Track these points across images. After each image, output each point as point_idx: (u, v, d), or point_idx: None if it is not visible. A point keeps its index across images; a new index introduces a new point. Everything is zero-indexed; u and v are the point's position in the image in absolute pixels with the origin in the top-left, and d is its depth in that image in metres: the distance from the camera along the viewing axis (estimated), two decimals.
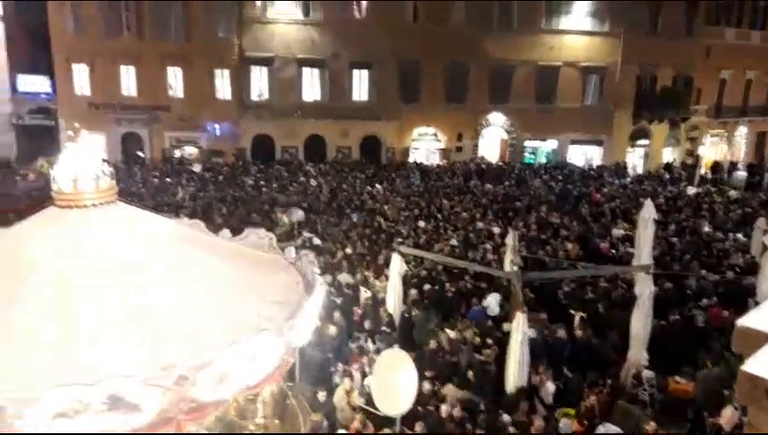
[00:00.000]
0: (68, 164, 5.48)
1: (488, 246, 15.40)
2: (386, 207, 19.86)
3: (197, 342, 4.53)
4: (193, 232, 6.90)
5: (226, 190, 22.61)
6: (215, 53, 29.43)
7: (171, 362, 4.20)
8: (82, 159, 5.52)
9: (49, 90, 30.54)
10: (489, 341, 10.01)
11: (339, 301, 11.57)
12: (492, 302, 11.74)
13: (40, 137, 30.04)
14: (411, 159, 31.25)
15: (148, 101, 29.79)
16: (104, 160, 5.84)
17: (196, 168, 26.66)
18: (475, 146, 32.37)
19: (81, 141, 5.66)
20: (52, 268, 4.85)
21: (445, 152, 32.06)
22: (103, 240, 5.27)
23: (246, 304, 5.23)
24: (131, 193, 19.17)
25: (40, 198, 18.04)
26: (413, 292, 12.00)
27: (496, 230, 17.00)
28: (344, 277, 12.96)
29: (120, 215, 5.74)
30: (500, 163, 31.37)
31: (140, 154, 30.29)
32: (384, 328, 10.66)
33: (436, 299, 12.02)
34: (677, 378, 9.29)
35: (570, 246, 15.67)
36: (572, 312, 10.98)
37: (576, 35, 31.39)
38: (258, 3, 29.56)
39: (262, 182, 24.52)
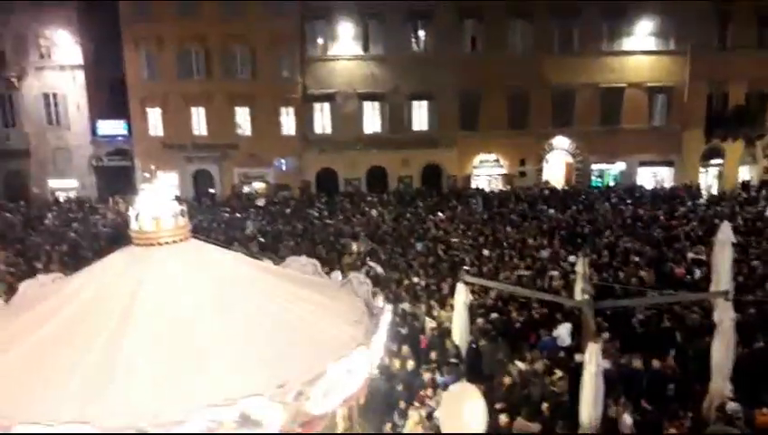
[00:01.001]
0: (145, 204, 5.78)
1: (556, 273, 15.02)
2: (453, 238, 19.63)
3: (302, 359, 4.83)
4: (264, 263, 7.24)
5: (293, 223, 23.10)
6: (279, 92, 30.48)
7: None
8: (158, 199, 5.81)
9: (125, 132, 32.28)
10: (561, 372, 9.69)
11: (403, 331, 11.53)
12: (563, 332, 11.39)
13: (117, 177, 31.75)
14: (473, 186, 31.07)
15: (217, 139, 31.07)
16: (177, 198, 6.13)
17: (260, 202, 27.40)
18: (539, 171, 31.88)
19: (156, 182, 5.97)
20: (152, 302, 5.12)
21: (508, 178, 31.72)
22: (186, 275, 5.55)
23: (333, 323, 5.60)
24: (204, 229, 19.89)
25: (115, 236, 19.01)
26: (480, 322, 11.80)
27: (564, 257, 16.57)
28: (408, 307, 12.92)
29: (197, 251, 6.01)
30: (566, 187, 30.72)
31: (211, 191, 31.47)
32: (451, 359, 10.50)
33: (504, 329, 11.77)
34: (765, 410, 8.69)
35: (643, 272, 15.07)
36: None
37: (640, 55, 30.66)
38: (320, 42, 30.52)
39: (326, 214, 24.94)
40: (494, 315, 12.29)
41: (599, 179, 32.27)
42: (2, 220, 25.52)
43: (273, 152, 31.18)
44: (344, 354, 4.85)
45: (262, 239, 20.23)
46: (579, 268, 12.17)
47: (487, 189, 30.46)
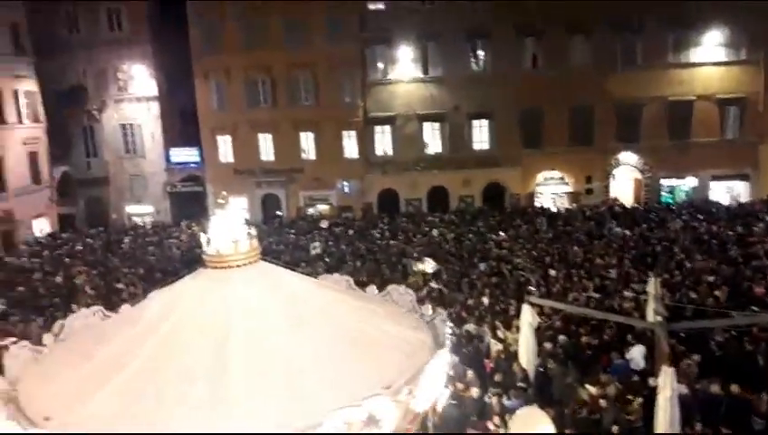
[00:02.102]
0: (217, 228, 6.07)
1: (627, 294, 14.55)
2: (517, 258, 19.35)
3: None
4: (330, 283, 7.50)
5: (357, 244, 23.39)
6: (342, 116, 31.18)
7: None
8: (230, 223, 6.10)
9: (197, 159, 33.73)
10: (634, 397, 9.36)
11: (468, 352, 11.44)
12: (636, 354, 11.01)
13: (190, 202, 33.15)
14: (537, 205, 30.60)
15: (284, 164, 32.02)
16: (247, 222, 6.40)
17: (324, 224, 27.89)
18: (606, 187, 31.05)
19: (229, 207, 6.26)
20: (232, 323, 5.43)
21: (573, 196, 31.06)
22: (260, 295, 5.82)
23: (401, 330, 6.01)
24: (272, 251, 20.45)
25: (188, 259, 19.83)
26: (547, 345, 11.57)
27: (635, 277, 16.03)
28: (472, 328, 12.82)
29: (267, 272, 6.27)
30: (635, 205, 29.74)
31: (279, 213, 32.34)
32: (518, 383, 10.33)
33: (573, 352, 11.49)
34: None
35: (718, 291, 14.38)
36: None
37: (709, 66, 29.52)
38: (380, 66, 31.07)
39: (388, 234, 25.13)
40: (562, 338, 12.02)
41: (669, 195, 31.10)
42: (83, 244, 27.05)
43: (337, 175, 31.82)
44: (431, 356, 5.23)
45: (327, 260, 20.57)
46: (650, 288, 11.75)
47: (552, 207, 29.89)
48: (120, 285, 18.45)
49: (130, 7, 32.83)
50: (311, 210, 32.40)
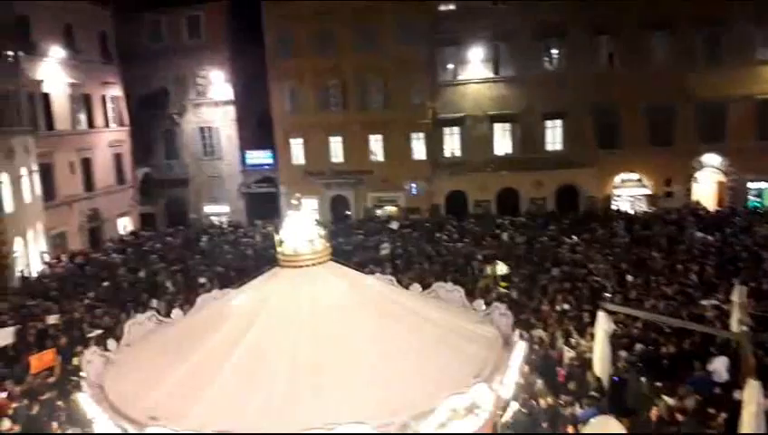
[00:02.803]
0: (290, 228, 6.22)
1: (709, 302, 13.82)
2: (593, 263, 18.75)
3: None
4: (395, 286, 7.53)
5: (424, 246, 23.34)
6: (411, 118, 31.22)
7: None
8: (302, 224, 6.24)
9: (271, 161, 34.69)
10: (717, 411, 8.87)
11: (538, 359, 11.19)
12: (719, 366, 10.43)
13: (264, 203, 34.12)
14: (614, 208, 29.55)
15: (353, 166, 32.45)
16: (318, 223, 6.53)
17: (394, 225, 28.01)
18: (688, 190, 29.59)
19: (302, 208, 6.41)
20: (306, 320, 5.64)
21: (652, 199, 29.80)
22: (331, 294, 5.97)
23: (483, 326, 6.27)
24: (341, 251, 20.71)
25: (262, 258, 20.38)
26: (623, 353, 11.14)
27: (718, 284, 15.20)
28: (543, 335, 12.53)
29: (336, 272, 6.39)
30: (719, 208, 28.21)
31: (348, 214, 32.77)
32: (592, 392, 10.00)
33: (651, 362, 11.01)
34: None
35: None
36: None
37: None
38: (450, 67, 30.93)
39: (456, 236, 24.93)
40: (639, 346, 11.55)
41: (756, 199, 29.27)
42: (163, 242, 28.34)
43: (405, 177, 31.89)
44: (504, 347, 5.54)
45: (397, 262, 20.64)
46: (735, 297, 11.14)
47: (629, 211, 28.78)
48: (203, 280, 19.16)
49: (209, 16, 34.18)
50: (378, 211, 32.64)
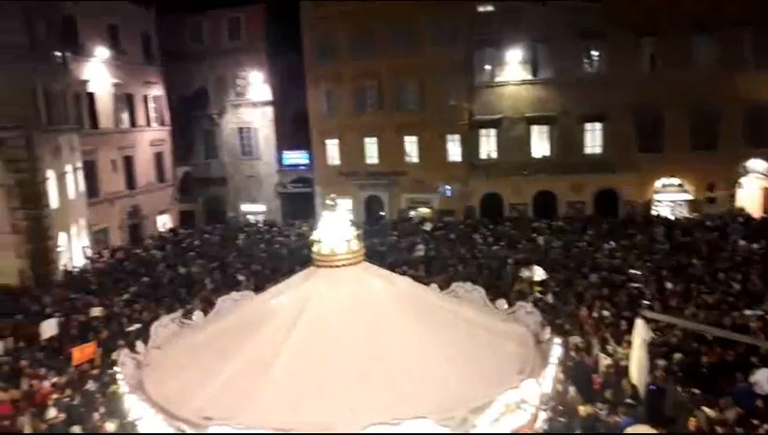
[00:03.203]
0: (325, 229, 6.27)
1: (754, 312, 13.38)
2: (631, 269, 18.35)
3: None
4: (425, 288, 7.52)
5: (458, 248, 23.22)
6: (446, 120, 31.09)
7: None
8: (337, 225, 6.28)
9: (307, 162, 35.02)
10: (760, 423, 8.60)
11: (573, 366, 11.02)
12: (761, 378, 10.11)
13: (299, 202, 34.49)
14: (654, 213, 28.89)
15: (387, 167, 32.49)
16: (352, 223, 6.55)
17: (427, 227, 27.94)
18: (732, 196, 28.71)
19: (338, 208, 6.44)
20: (338, 320, 5.69)
21: (694, 204, 29.02)
22: (365, 294, 6.02)
23: (514, 325, 6.35)
24: (374, 252, 20.78)
25: (297, 257, 20.56)
26: (661, 362, 10.88)
27: (762, 294, 14.72)
28: (579, 341, 12.32)
29: (370, 273, 6.41)
30: (764, 215, 27.30)
31: (382, 214, 32.82)
32: (628, 400, 9.80)
33: (690, 371, 10.73)
34: None
35: None
36: None
37: None
38: (487, 69, 30.72)
39: (491, 239, 24.73)
40: (678, 355, 11.26)
41: None
42: (201, 240, 28.87)
43: (439, 178, 31.78)
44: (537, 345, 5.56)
45: (431, 263, 20.60)
46: None
47: (670, 217, 28.09)
48: (241, 278, 19.44)
49: (249, 18, 34.68)
50: (412, 213, 32.60)
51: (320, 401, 4.92)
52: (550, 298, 15.61)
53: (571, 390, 10.01)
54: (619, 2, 28.20)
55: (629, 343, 10.97)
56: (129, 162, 31.68)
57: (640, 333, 10.27)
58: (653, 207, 29.45)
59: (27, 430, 9.43)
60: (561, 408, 9.23)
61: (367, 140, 32.89)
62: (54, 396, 10.71)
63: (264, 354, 5.41)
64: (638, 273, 17.64)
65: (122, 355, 6.08)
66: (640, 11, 27.93)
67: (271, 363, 5.27)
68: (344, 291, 5.96)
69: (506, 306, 7.23)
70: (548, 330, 6.30)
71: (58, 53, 25.48)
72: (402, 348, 5.44)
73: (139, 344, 6.55)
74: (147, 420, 5.05)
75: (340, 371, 5.16)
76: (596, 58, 29.80)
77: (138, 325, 14.37)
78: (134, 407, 5.26)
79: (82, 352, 12.35)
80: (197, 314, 7.48)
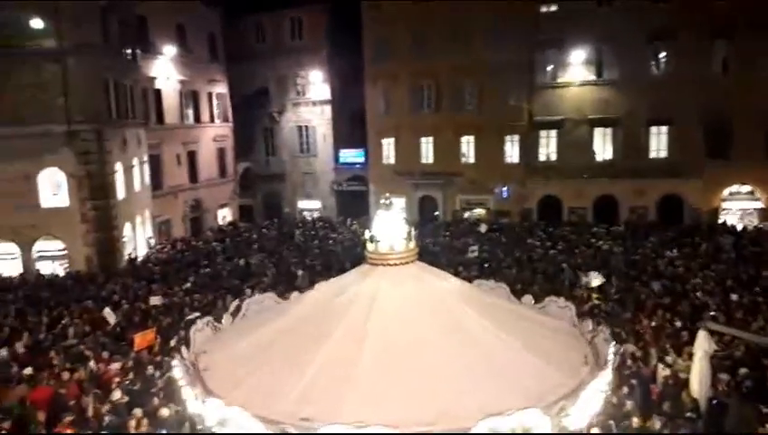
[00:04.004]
0: (379, 227, 6.29)
1: None
2: (695, 279, 17.61)
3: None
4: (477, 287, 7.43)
5: (513, 251, 22.88)
6: (505, 121, 30.69)
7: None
8: (392, 224, 6.29)
9: (362, 160, 35.28)
10: None
11: (628, 373, 10.70)
12: None
13: (354, 200, 34.81)
14: (721, 221, 27.65)
15: (443, 167, 32.33)
16: (407, 223, 6.55)
17: (482, 228, 27.63)
18: None
19: (392, 207, 6.45)
20: (386, 319, 5.69)
21: (765, 213, 27.62)
22: (416, 294, 6.01)
23: (559, 345, 6.03)
24: (427, 252, 20.73)
25: (351, 255, 20.77)
26: (724, 376, 10.40)
27: None
28: (631, 348, 11.94)
29: (423, 273, 6.40)
30: None
31: (437, 214, 32.69)
32: (688, 414, 9.42)
33: (755, 387, 10.21)
34: None
35: None
36: None
37: None
38: (549, 69, 30.13)
39: (548, 243, 24.23)
40: (743, 370, 10.74)
41: None
42: (259, 234, 29.52)
43: (496, 180, 31.39)
44: (590, 374, 5.28)
45: (486, 265, 20.38)
46: None
47: (739, 225, 26.82)
48: (300, 272, 19.74)
49: (311, 18, 35.25)
50: (467, 214, 32.33)
51: (413, 397, 4.92)
52: (608, 305, 15.16)
53: (628, 402, 9.71)
54: (692, 2, 27.11)
55: (690, 355, 10.55)
56: (192, 157, 32.69)
57: (703, 344, 9.86)
58: (720, 215, 28.19)
59: (90, 410, 9.86)
60: (616, 417, 8.96)
61: (423, 139, 32.85)
62: (117, 380, 11.17)
63: (344, 353, 5.38)
64: (703, 283, 16.90)
65: (183, 357, 5.95)
66: (715, 12, 26.77)
67: (354, 363, 5.24)
68: (407, 289, 6.00)
69: (532, 302, 7.41)
70: (588, 323, 6.45)
71: (129, 51, 26.58)
72: (479, 343, 5.52)
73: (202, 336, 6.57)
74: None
75: (421, 369, 5.17)
76: (664, 59, 28.76)
77: (197, 314, 14.80)
78: (216, 408, 5.02)
79: (143, 339, 12.79)
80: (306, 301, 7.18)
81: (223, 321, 7.17)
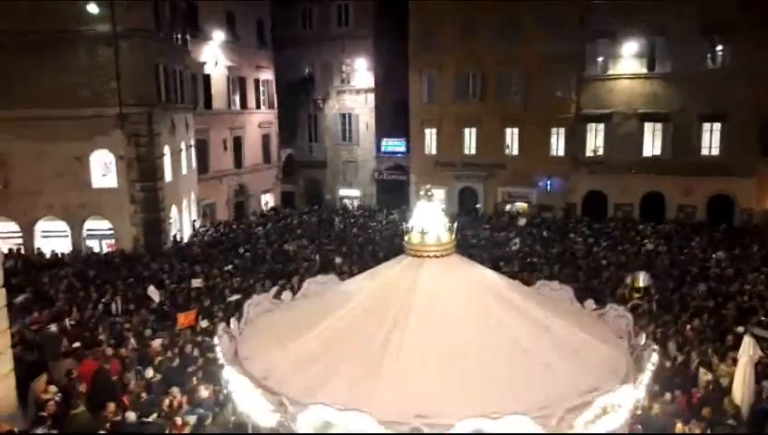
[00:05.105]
0: (419, 218, 6.29)
1: None
2: (745, 283, 17.02)
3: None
4: (519, 284, 7.34)
5: (555, 246, 22.53)
6: (551, 112, 30.12)
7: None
8: (432, 215, 6.28)
9: (404, 149, 35.21)
10: None
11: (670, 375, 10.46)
12: None
13: (394, 190, 34.82)
14: None
15: (485, 159, 31.98)
16: (446, 214, 6.52)
17: (521, 222, 27.24)
18: None
19: (433, 199, 6.44)
20: (423, 310, 5.73)
21: None
22: (452, 287, 6.04)
23: (594, 349, 5.87)
24: (467, 245, 20.61)
25: (389, 245, 20.81)
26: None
27: None
28: (673, 351, 11.66)
29: (460, 266, 6.39)
30: None
31: (478, 207, 32.40)
32: (729, 420, 9.16)
33: None
34: None
35: None
36: None
37: None
38: (599, 61, 29.39)
39: (591, 240, 23.78)
40: None
41: None
42: (299, 220, 29.85)
43: (539, 173, 30.91)
44: (608, 386, 5.05)
45: (528, 260, 20.16)
46: None
47: None
48: (338, 260, 19.94)
49: (357, 5, 35.17)
50: (508, 207, 31.95)
51: (434, 392, 4.97)
52: (651, 306, 14.81)
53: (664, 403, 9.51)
54: None
55: (734, 361, 10.24)
56: (238, 142, 33.18)
57: (748, 350, 9.56)
58: None
59: (132, 386, 10.20)
60: (655, 420, 8.79)
61: (466, 130, 32.52)
62: (159, 358, 11.51)
63: (382, 342, 5.42)
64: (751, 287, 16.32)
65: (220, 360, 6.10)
66: None
67: (392, 354, 5.30)
68: (444, 281, 6.02)
69: (594, 306, 7.13)
70: (642, 335, 6.14)
71: (179, 36, 27.10)
72: (505, 344, 5.50)
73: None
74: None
75: (456, 363, 5.22)
76: (719, 53, 27.68)
77: (238, 296, 15.13)
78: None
79: (186, 319, 13.15)
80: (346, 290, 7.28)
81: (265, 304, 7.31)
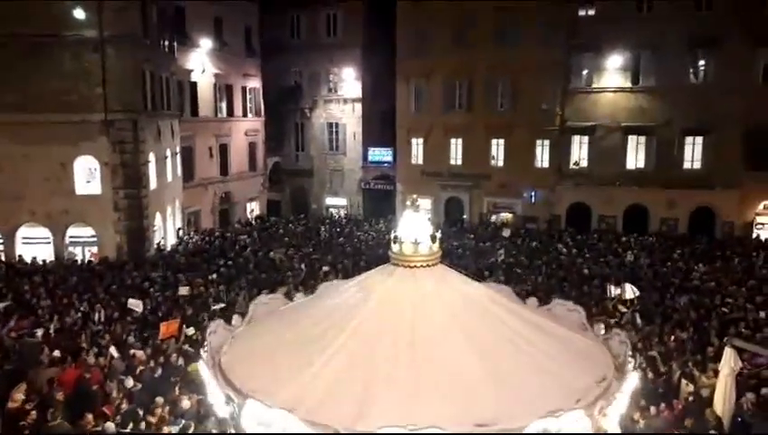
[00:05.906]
0: (404, 228, 6.29)
1: None
2: (725, 296, 17.21)
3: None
4: (502, 297, 7.32)
5: (539, 258, 22.65)
6: (537, 124, 30.37)
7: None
8: (417, 225, 6.29)
9: (390, 159, 35.27)
10: None
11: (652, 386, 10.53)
12: None
13: (380, 199, 34.86)
14: (754, 236, 26.97)
15: (471, 169, 32.15)
16: (431, 223, 6.53)
17: (506, 232, 27.34)
18: None
19: (418, 209, 6.44)
20: (406, 319, 5.72)
21: None
22: (436, 297, 6.03)
23: (572, 368, 5.76)
24: (452, 255, 20.63)
25: (374, 254, 20.78)
26: (750, 396, 10.16)
27: None
28: (656, 363, 11.73)
29: (445, 277, 6.38)
30: None
31: (464, 217, 32.50)
32: (712, 432, 9.24)
33: None
34: None
35: None
36: None
37: None
38: (584, 73, 29.73)
39: (574, 251, 23.93)
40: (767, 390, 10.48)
41: None
42: (285, 229, 29.74)
43: (524, 184, 31.11)
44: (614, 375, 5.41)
45: (510, 270, 20.23)
46: None
47: None
48: (326, 268, 19.85)
49: (346, 15, 35.29)
50: (493, 217, 32.10)
51: (435, 401, 4.95)
52: (634, 316, 14.90)
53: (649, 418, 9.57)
54: (736, 10, 26.45)
55: (715, 372, 10.34)
56: (224, 150, 33.01)
57: (729, 362, 9.65)
58: (755, 230, 27.51)
59: (114, 395, 10.07)
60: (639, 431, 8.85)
61: (452, 140, 32.71)
62: (141, 368, 11.37)
63: (375, 353, 5.40)
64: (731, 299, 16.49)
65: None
66: (760, 20, 26.08)
67: (389, 362, 5.28)
68: (428, 291, 6.01)
69: (603, 332, 6.95)
70: (631, 362, 6.03)
71: (166, 43, 26.99)
72: (502, 347, 5.62)
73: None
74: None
75: (451, 371, 5.23)
76: (703, 68, 28.14)
77: (222, 304, 15.00)
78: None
79: (168, 328, 12.96)
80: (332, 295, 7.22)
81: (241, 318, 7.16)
